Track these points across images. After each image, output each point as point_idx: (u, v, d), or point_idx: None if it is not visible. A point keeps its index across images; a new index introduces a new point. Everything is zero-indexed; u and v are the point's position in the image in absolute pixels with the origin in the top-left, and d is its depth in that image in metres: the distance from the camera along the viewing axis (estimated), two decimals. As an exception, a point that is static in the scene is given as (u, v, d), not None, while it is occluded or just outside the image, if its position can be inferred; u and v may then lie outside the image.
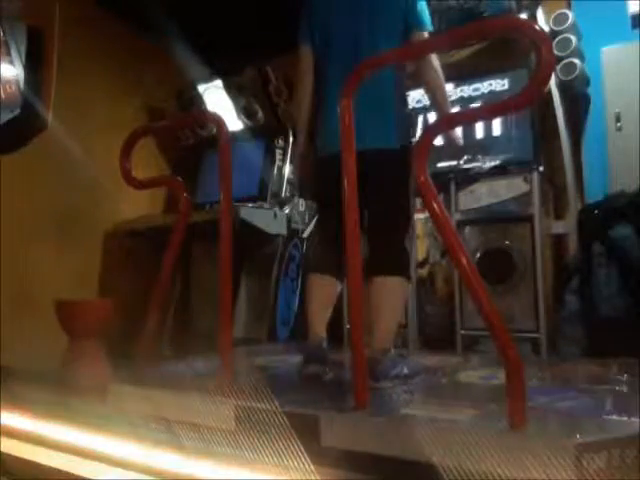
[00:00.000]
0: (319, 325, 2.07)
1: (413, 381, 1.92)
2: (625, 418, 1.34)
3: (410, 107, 3.33)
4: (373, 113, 1.94)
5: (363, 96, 1.89)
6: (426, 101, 3.32)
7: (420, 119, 3.33)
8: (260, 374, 2.18)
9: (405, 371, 1.93)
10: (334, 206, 2.09)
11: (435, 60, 2.03)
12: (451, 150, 2.46)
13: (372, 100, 1.91)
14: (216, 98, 3.85)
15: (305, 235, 3.54)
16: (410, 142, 2.06)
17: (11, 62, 3.11)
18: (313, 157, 2.19)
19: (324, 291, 2.11)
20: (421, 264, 3.27)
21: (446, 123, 1.72)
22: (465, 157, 3.10)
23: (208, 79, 3.87)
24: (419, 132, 3.26)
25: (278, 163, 3.71)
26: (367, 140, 1.84)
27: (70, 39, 3.24)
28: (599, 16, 3.06)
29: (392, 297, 1.97)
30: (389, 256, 1.99)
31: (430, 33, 2.07)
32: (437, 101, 2.08)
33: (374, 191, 1.93)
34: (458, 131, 2.18)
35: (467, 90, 3.20)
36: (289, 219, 3.50)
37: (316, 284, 2.13)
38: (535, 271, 2.80)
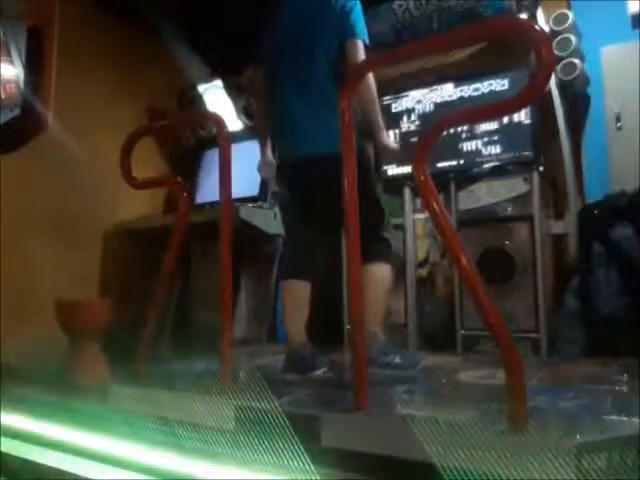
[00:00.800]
0: (297, 332, 2.15)
1: (405, 372, 1.94)
2: (625, 418, 1.34)
3: (410, 107, 3.36)
4: (320, 120, 2.04)
5: (315, 102, 2.04)
6: (426, 101, 3.33)
7: (420, 119, 3.33)
8: (260, 374, 2.18)
9: (397, 361, 1.95)
10: (298, 208, 2.19)
11: (369, 74, 2.07)
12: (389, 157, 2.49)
13: (319, 107, 2.06)
14: (216, 98, 3.85)
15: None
16: (364, 144, 2.13)
17: (11, 62, 3.11)
18: (275, 166, 2.35)
19: (299, 296, 2.19)
20: (421, 264, 3.27)
21: (446, 123, 1.71)
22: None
23: (208, 79, 3.87)
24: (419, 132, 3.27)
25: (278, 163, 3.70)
26: (314, 146, 2.03)
27: (70, 39, 3.24)
28: (599, 16, 3.06)
29: (376, 283, 2.08)
30: (369, 246, 2.03)
31: (364, 42, 2.12)
32: (368, 111, 2.12)
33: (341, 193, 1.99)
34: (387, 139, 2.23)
35: (467, 90, 3.20)
36: (289, 219, 3.50)
37: (287, 290, 2.23)
38: (535, 271, 2.80)
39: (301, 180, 2.16)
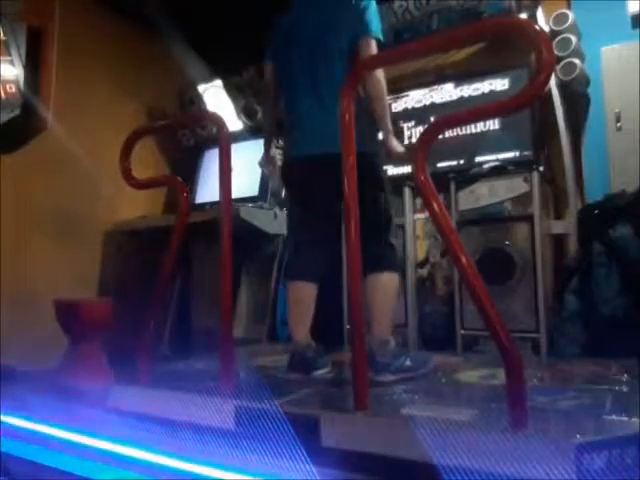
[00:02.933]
0: (301, 332, 2.14)
1: (417, 373, 1.93)
2: (625, 418, 1.34)
3: (410, 107, 3.36)
4: (331, 118, 1.97)
5: (322, 101, 2.02)
6: (426, 101, 3.33)
7: (419, 119, 3.33)
8: (260, 374, 2.18)
9: (407, 363, 1.95)
10: (304, 208, 2.18)
11: (379, 71, 2.05)
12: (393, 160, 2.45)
13: (330, 105, 1.97)
14: (216, 98, 3.85)
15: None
16: (376, 145, 2.12)
17: (11, 62, 3.11)
18: (281, 162, 2.34)
19: (304, 297, 2.17)
20: (421, 264, 3.27)
21: (446, 123, 1.71)
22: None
23: (208, 79, 3.87)
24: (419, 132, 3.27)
25: (278, 163, 3.70)
26: (325, 144, 1.96)
27: (69, 38, 3.24)
28: (599, 16, 3.05)
29: (385, 291, 2.06)
30: (376, 254, 2.03)
31: (378, 40, 2.09)
32: (376, 112, 2.10)
33: (341, 194, 1.97)
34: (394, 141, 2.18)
35: (467, 90, 3.20)
36: (289, 219, 3.50)
37: (293, 291, 2.20)
38: (535, 271, 2.80)
39: (309, 179, 2.14)
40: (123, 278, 3.57)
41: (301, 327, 2.14)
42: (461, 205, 3.04)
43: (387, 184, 2.18)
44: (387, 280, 2.07)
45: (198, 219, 2.87)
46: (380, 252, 2.05)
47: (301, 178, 2.18)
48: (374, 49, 2.07)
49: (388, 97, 3.30)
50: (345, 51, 2.08)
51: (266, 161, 2.41)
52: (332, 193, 1.86)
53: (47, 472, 1.59)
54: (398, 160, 2.36)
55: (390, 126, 2.14)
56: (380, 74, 2.06)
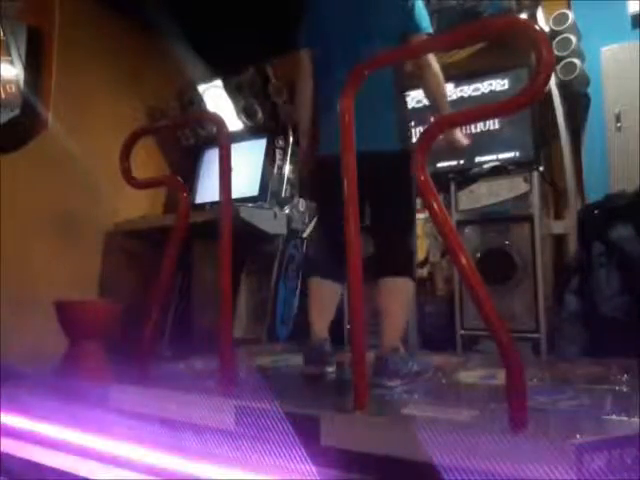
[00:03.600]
0: (320, 327, 2.11)
1: (422, 378, 1.93)
2: (625, 418, 1.34)
3: (410, 107, 3.36)
4: (372, 114, 1.93)
5: (362, 97, 1.93)
6: (426, 101, 3.32)
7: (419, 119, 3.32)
8: (260, 374, 2.18)
9: (415, 368, 1.94)
10: (334, 208, 2.12)
11: (434, 61, 2.03)
12: (455, 152, 2.42)
13: (371, 101, 1.90)
14: (216, 98, 3.85)
15: (305, 235, 3.54)
16: (411, 144, 2.07)
17: (11, 62, 3.11)
18: (314, 159, 2.22)
19: (325, 295, 2.14)
20: (421, 264, 3.27)
21: (446, 123, 1.71)
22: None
23: (208, 79, 3.87)
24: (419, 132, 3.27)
25: (278, 163, 3.71)
26: (367, 141, 1.84)
27: (69, 38, 3.24)
28: (599, 16, 3.06)
29: (401, 297, 2.01)
30: (398, 257, 2.01)
31: (429, 35, 2.07)
32: (437, 103, 2.08)
33: (378, 193, 1.94)
34: (459, 133, 2.15)
35: (467, 90, 3.20)
36: (289, 219, 3.50)
37: (317, 288, 2.16)
38: (535, 271, 2.80)
39: (340, 177, 2.04)
40: (124, 278, 3.57)
41: (321, 322, 2.11)
42: (461, 205, 3.04)
43: (415, 184, 2.13)
44: (404, 286, 2.02)
45: (198, 219, 2.87)
46: (401, 256, 2.02)
47: (334, 177, 1.96)
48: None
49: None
50: (393, 45, 2.00)
51: (302, 158, 2.30)
52: (364, 193, 1.83)
53: (47, 472, 1.59)
54: (461, 152, 2.31)
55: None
56: (437, 66, 2.03)
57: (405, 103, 2.12)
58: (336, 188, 2.05)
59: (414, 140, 2.14)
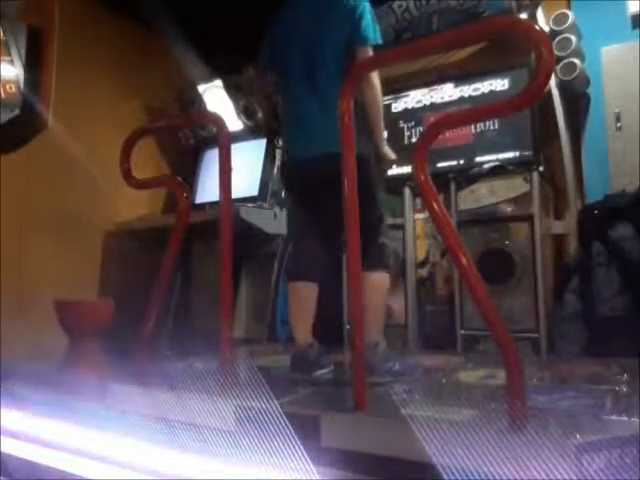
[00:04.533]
0: (302, 333, 2.14)
1: (406, 378, 1.93)
2: (625, 418, 1.34)
3: (410, 107, 3.36)
4: (330, 119, 1.96)
5: (320, 103, 2.02)
6: (426, 101, 3.33)
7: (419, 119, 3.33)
8: (260, 374, 2.18)
9: (397, 367, 1.95)
10: (304, 211, 2.18)
11: (375, 75, 2.07)
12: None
13: (328, 107, 1.96)
14: (216, 98, 3.85)
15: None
16: (370, 146, 2.11)
17: (11, 62, 3.11)
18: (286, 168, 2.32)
19: (302, 297, 2.18)
20: (421, 264, 3.27)
21: (445, 123, 1.71)
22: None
23: (208, 79, 3.87)
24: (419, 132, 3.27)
25: (278, 163, 3.71)
26: (324, 145, 1.96)
27: (70, 37, 3.24)
28: (599, 16, 3.06)
29: (374, 291, 2.05)
30: (367, 253, 2.01)
31: (376, 47, 2.10)
32: (370, 116, 2.11)
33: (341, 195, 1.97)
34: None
35: (467, 90, 3.21)
36: (289, 219, 3.50)
37: (294, 291, 2.21)
38: (535, 271, 2.80)
39: (309, 180, 2.14)
40: (123, 278, 3.57)
41: (302, 327, 2.15)
42: (461, 205, 3.04)
43: (380, 185, 2.18)
44: (378, 279, 2.07)
45: (198, 219, 2.87)
46: (371, 251, 2.04)
47: (301, 179, 2.18)
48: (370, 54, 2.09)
49: (388, 97, 3.35)
50: (341, 55, 2.09)
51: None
52: (331, 193, 1.86)
53: (47, 472, 1.59)
54: (389, 166, 2.37)
55: (383, 132, 2.17)
56: (376, 80, 2.08)
57: (363, 109, 2.13)
58: (305, 189, 2.17)
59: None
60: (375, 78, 2.08)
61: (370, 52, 2.09)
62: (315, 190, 2.14)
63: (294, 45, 2.19)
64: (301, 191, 2.24)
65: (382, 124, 2.15)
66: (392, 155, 2.21)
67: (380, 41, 2.12)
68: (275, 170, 3.69)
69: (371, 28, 2.11)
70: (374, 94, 2.08)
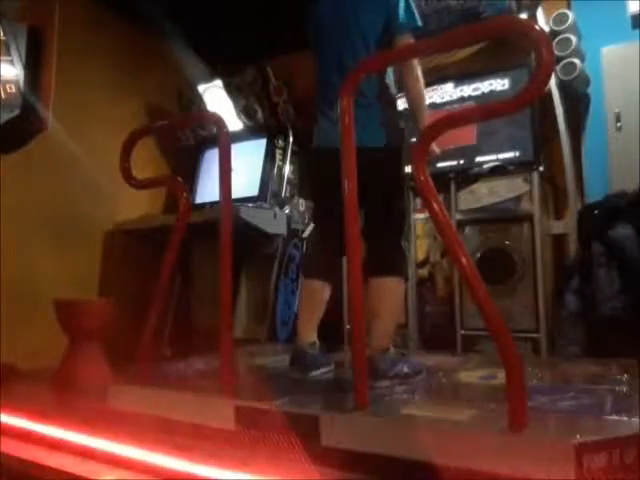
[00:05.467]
0: (307, 331, 2.11)
1: (413, 380, 1.93)
2: (625, 418, 1.34)
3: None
4: (365, 113, 1.93)
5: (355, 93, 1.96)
6: (428, 101, 3.32)
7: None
8: (260, 374, 2.18)
9: (405, 370, 1.93)
10: (325, 206, 2.12)
11: (417, 67, 2.02)
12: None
13: (364, 98, 1.94)
14: (216, 98, 3.85)
15: (305, 235, 3.54)
16: (400, 142, 2.06)
17: (11, 62, 3.11)
18: (308, 155, 2.24)
19: (313, 295, 2.14)
20: (421, 264, 3.27)
21: (446, 123, 1.71)
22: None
23: (208, 79, 3.87)
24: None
25: (278, 163, 3.71)
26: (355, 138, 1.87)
27: (70, 37, 3.24)
28: (599, 16, 3.06)
29: (390, 297, 2.00)
30: (386, 257, 2.00)
31: (417, 29, 2.04)
32: (414, 109, 2.07)
33: (366, 191, 1.93)
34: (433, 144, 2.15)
35: (467, 90, 3.21)
36: (289, 219, 3.50)
37: (306, 288, 2.18)
38: (535, 271, 2.80)
39: (333, 173, 1.84)
40: (123, 278, 3.57)
41: (309, 325, 2.12)
42: (461, 205, 3.04)
43: (407, 182, 2.10)
44: (395, 285, 2.00)
45: (198, 219, 2.87)
46: (391, 255, 2.01)
47: (324, 171, 1.99)
48: (411, 42, 2.02)
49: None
50: (374, 44, 2.02)
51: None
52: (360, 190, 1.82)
53: (47, 472, 1.59)
54: (433, 159, 2.29)
55: (426, 124, 2.04)
56: (418, 71, 2.02)
57: (394, 103, 2.11)
58: (330, 185, 1.99)
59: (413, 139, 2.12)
60: (417, 68, 2.01)
61: (410, 38, 2.01)
62: (335, 186, 2.00)
63: (328, 32, 2.13)
64: (322, 185, 2.11)
65: (426, 116, 2.05)
66: (437, 149, 2.11)
67: (419, 24, 2.05)
68: (275, 170, 3.69)
69: (407, 13, 2.03)
70: (419, 86, 2.02)
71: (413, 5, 2.07)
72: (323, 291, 2.13)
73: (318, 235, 2.23)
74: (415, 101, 2.05)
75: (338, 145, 1.70)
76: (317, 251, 2.21)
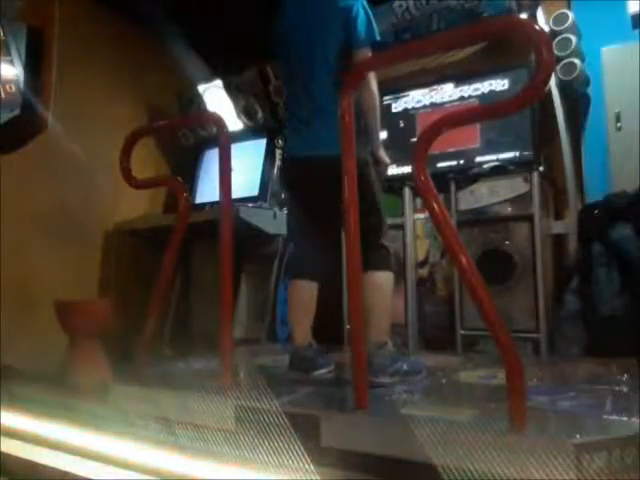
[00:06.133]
0: (301, 333, 2.14)
1: (413, 379, 1.93)
2: (625, 418, 1.34)
3: (410, 107, 3.36)
4: (326, 122, 1.99)
5: (315, 104, 2.07)
6: (426, 101, 3.33)
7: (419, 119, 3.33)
8: (260, 374, 2.18)
9: (405, 367, 1.94)
10: (302, 211, 2.17)
11: (373, 81, 2.06)
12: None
13: (324, 108, 2.01)
14: (216, 98, 3.85)
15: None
16: (365, 149, 2.08)
17: (11, 62, 3.11)
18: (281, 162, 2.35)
19: (302, 296, 2.17)
20: (421, 264, 3.27)
21: (445, 123, 1.71)
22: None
23: (208, 79, 3.87)
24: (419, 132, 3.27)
25: (278, 163, 3.71)
26: (316, 146, 1.99)
27: (70, 38, 3.24)
28: (599, 16, 3.06)
29: (378, 291, 2.03)
30: (368, 254, 2.01)
31: (376, 44, 2.07)
32: (368, 122, 2.10)
33: (334, 195, 1.97)
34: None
35: (467, 90, 3.20)
36: (289, 219, 3.50)
37: (293, 290, 2.20)
38: (535, 271, 2.80)
39: (306, 180, 2.12)
40: (123, 278, 3.57)
41: (301, 327, 2.14)
42: (461, 205, 3.04)
43: (379, 187, 2.17)
44: (382, 279, 2.05)
45: (198, 219, 2.87)
46: (373, 252, 2.04)
47: (298, 179, 2.17)
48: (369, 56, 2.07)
49: (388, 97, 3.35)
50: (334, 57, 2.07)
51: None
52: (328, 194, 1.86)
53: (47, 472, 1.59)
54: (384, 170, 2.36)
55: (380, 136, 2.17)
56: (374, 85, 2.07)
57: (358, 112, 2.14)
58: (302, 189, 2.16)
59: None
60: (373, 81, 2.06)
61: (368, 52, 2.06)
62: (311, 190, 2.13)
63: (291, 45, 2.19)
64: (298, 191, 2.24)
65: (379, 127, 2.14)
66: (387, 160, 2.21)
67: (378, 38, 2.10)
68: (275, 170, 3.70)
69: (367, 27, 2.08)
70: (373, 99, 2.07)
71: (372, 19, 2.11)
72: (310, 290, 2.16)
73: (300, 237, 2.27)
74: (368, 114, 2.09)
75: (310, 154, 1.98)
76: (300, 252, 2.25)
